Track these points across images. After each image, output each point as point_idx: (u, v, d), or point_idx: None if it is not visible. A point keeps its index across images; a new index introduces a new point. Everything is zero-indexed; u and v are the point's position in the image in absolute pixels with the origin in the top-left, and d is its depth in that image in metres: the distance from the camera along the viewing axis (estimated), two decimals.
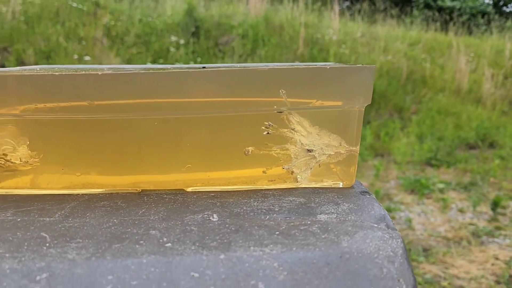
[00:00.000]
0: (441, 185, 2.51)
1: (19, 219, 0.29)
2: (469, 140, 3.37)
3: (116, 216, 0.30)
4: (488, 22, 5.64)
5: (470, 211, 2.24)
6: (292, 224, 0.27)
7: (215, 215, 0.29)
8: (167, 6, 4.13)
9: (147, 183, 0.37)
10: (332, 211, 0.30)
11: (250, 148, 0.37)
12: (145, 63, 3.37)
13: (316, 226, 0.27)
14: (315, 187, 0.36)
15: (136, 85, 0.34)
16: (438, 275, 1.63)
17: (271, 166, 0.37)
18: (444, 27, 5.33)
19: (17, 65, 3.17)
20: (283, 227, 0.27)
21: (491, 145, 3.42)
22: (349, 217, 0.29)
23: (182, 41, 3.67)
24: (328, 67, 0.34)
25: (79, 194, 0.35)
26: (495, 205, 2.21)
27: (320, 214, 0.29)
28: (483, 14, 6.49)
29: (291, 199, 0.32)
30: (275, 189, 0.36)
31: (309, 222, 0.28)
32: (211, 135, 0.36)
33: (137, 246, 0.24)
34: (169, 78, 0.34)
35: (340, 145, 0.36)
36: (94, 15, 3.77)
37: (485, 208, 2.27)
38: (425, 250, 1.81)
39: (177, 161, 0.36)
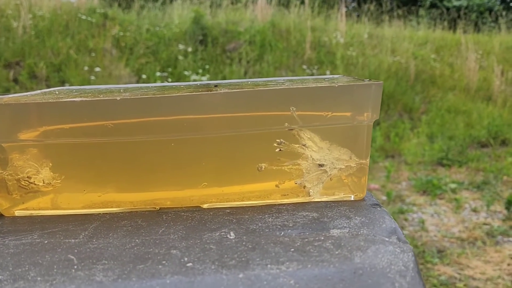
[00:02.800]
0: (453, 185, 2.50)
1: (46, 241, 0.30)
2: (481, 138, 3.35)
3: (138, 235, 0.31)
4: (496, 18, 5.60)
5: (484, 210, 2.22)
6: (306, 240, 0.29)
7: (232, 233, 0.30)
8: (174, 15, 4.17)
9: (164, 200, 0.38)
10: (345, 225, 0.31)
11: (263, 164, 0.38)
12: (154, 73, 3.41)
13: (330, 242, 0.28)
14: (327, 201, 0.37)
15: (152, 108, 0.35)
16: (454, 277, 1.63)
17: (284, 181, 0.38)
18: (452, 25, 5.31)
19: (29, 79, 3.22)
20: (298, 244, 0.28)
21: (503, 142, 3.39)
22: (361, 231, 0.30)
23: (190, 49, 3.71)
24: (336, 85, 0.35)
25: (100, 213, 0.37)
26: (509, 204, 2.19)
27: (333, 229, 0.30)
28: (491, 10, 6.44)
29: (304, 214, 0.33)
30: (288, 204, 0.37)
31: (322, 238, 0.29)
32: (225, 153, 0.37)
33: (160, 266, 0.25)
34: (183, 100, 0.35)
35: (351, 159, 0.38)
36: (103, 26, 3.83)
37: (499, 207, 2.25)
38: (439, 251, 1.81)
39: (194, 179, 0.38)
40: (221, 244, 0.28)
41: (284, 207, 0.36)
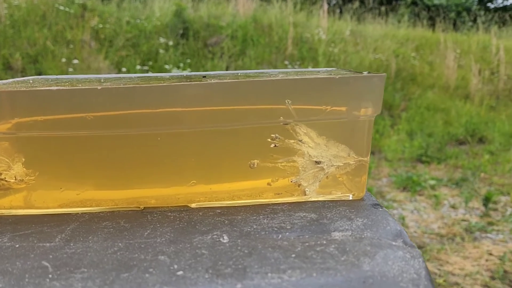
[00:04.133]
0: (432, 182, 2.52)
1: (17, 245, 0.27)
2: (459, 136, 3.40)
3: (121, 238, 0.28)
4: (474, 18, 5.69)
5: (462, 207, 2.25)
6: (307, 244, 0.26)
7: (225, 236, 0.28)
8: (155, 7, 4.10)
9: (148, 198, 0.35)
10: (346, 227, 0.29)
11: (256, 161, 0.35)
12: (134, 66, 3.34)
13: (333, 246, 0.26)
14: (325, 201, 0.35)
15: (136, 99, 0.32)
16: (433, 272, 1.64)
17: (277, 179, 0.36)
18: (432, 24, 5.36)
19: (4, 70, 3.12)
20: (299, 248, 0.26)
21: (481, 140, 3.45)
22: (365, 234, 0.28)
23: (171, 43, 3.64)
24: (337, 77, 0.32)
25: (78, 213, 0.34)
26: (487, 200, 2.23)
27: (334, 231, 0.28)
28: (469, 10, 6.54)
29: (302, 215, 0.31)
30: (283, 203, 0.34)
31: (324, 242, 0.26)
32: (215, 149, 0.35)
33: (147, 275, 0.23)
34: (171, 90, 0.32)
35: (349, 156, 0.35)
36: (82, 17, 3.73)
37: (477, 203, 2.28)
38: (419, 247, 1.81)
39: (181, 176, 0.35)
40: (214, 248, 0.26)
41: (279, 207, 0.33)
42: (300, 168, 0.35)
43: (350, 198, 0.35)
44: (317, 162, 0.35)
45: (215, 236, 0.28)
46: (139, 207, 0.35)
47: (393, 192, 2.40)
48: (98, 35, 3.62)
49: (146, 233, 0.29)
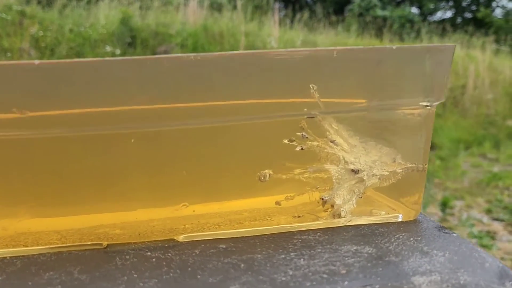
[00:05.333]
0: None
1: None
2: None
3: None
4: (418, 29, 5.89)
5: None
6: None
7: None
8: (100, 15, 3.90)
9: (112, 228, 0.24)
10: (428, 267, 0.19)
11: (267, 172, 0.25)
12: None
13: None
14: (369, 224, 0.25)
15: (96, 81, 0.21)
16: None
17: (293, 196, 0.26)
18: (379, 34, 5.49)
19: None
20: None
21: (431, 147, 3.51)
22: (463, 279, 0.18)
23: (118, 51, 3.47)
24: (394, 47, 0.23)
25: (6, 258, 0.22)
26: (444, 205, 2.23)
27: (414, 275, 0.18)
28: (412, 22, 6.79)
29: (353, 249, 0.21)
30: (313, 232, 0.24)
31: None
32: (212, 153, 0.24)
33: None
34: (145, 68, 0.21)
35: (395, 162, 0.26)
36: (20, 25, 3.47)
37: (434, 209, 2.28)
38: None
39: (165, 195, 0.24)
40: None
41: (311, 237, 0.23)
42: (334, 180, 0.25)
43: (400, 219, 0.26)
44: (355, 171, 0.25)
45: None
46: (101, 244, 0.23)
47: None
48: (38, 43, 3.38)
49: None
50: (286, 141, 0.25)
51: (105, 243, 0.23)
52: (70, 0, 4.25)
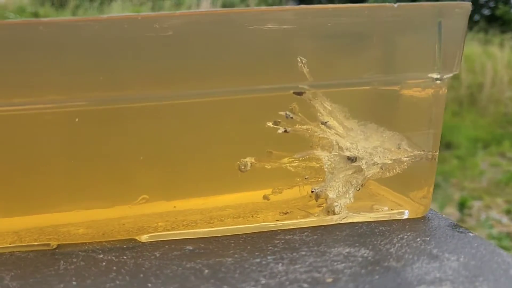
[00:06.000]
0: None
1: None
2: None
3: None
4: None
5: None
6: None
7: None
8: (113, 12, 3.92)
9: (62, 226, 0.20)
10: (438, 275, 0.15)
11: (248, 160, 0.21)
12: None
13: None
14: (369, 222, 0.21)
15: (34, 46, 0.17)
16: None
17: (281, 189, 0.22)
18: None
19: None
20: None
21: (447, 146, 3.43)
22: (479, 286, 0.14)
23: None
24: (395, 5, 0.19)
25: None
26: (461, 206, 2.16)
27: (419, 285, 0.14)
28: None
29: (344, 252, 0.17)
30: (300, 231, 0.20)
31: None
32: (181, 137, 0.21)
33: None
34: (89, 31, 0.18)
35: (399, 148, 0.22)
36: None
37: (451, 209, 2.21)
38: None
39: (123, 187, 0.20)
40: None
41: (296, 238, 0.19)
42: (326, 170, 0.21)
43: (406, 217, 0.22)
44: (351, 159, 0.21)
45: None
46: (48, 245, 0.20)
47: None
48: None
49: None
50: (270, 124, 0.21)
51: (53, 244, 0.20)
52: (83, 0, 4.28)
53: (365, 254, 0.17)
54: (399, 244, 0.18)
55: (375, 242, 0.18)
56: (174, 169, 0.21)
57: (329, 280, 0.15)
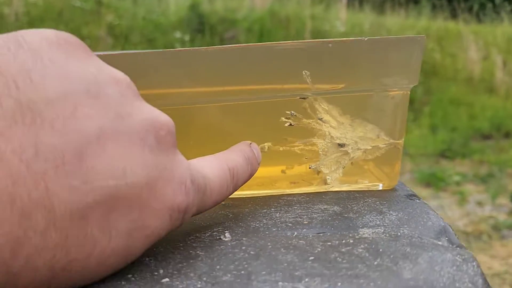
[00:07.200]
0: (457, 178, 2.43)
1: None
2: (484, 130, 3.28)
3: None
4: (498, 9, 5.51)
5: (489, 203, 2.15)
6: (329, 243, 0.21)
7: (227, 233, 0.22)
8: (170, 2, 4.07)
9: None
10: (378, 222, 0.23)
11: (267, 144, 0.30)
12: None
13: (363, 246, 0.20)
14: (350, 191, 0.29)
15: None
16: None
17: (293, 165, 0.31)
18: (454, 15, 5.22)
19: None
20: (319, 249, 0.20)
21: (507, 135, 3.32)
22: (402, 231, 0.22)
23: (187, 38, 3.61)
24: (365, 39, 0.27)
25: None
26: None
27: (362, 227, 0.23)
28: (493, 2, 6.35)
29: (322, 208, 0.26)
30: (299, 194, 0.29)
31: (351, 241, 0.21)
32: (219, 128, 0.30)
33: (123, 282, 0.18)
34: (152, 60, 0.27)
35: (378, 138, 0.30)
36: (98, 13, 3.72)
37: (504, 200, 2.18)
38: None
39: None
40: (212, 249, 0.21)
41: (295, 199, 0.28)
42: (320, 152, 0.30)
43: (380, 188, 0.30)
44: (341, 145, 0.30)
45: (215, 233, 0.23)
46: None
47: (416, 188, 2.31)
48: (113, 31, 3.61)
49: None
50: (283, 118, 0.30)
51: None
52: None
53: (335, 209, 0.25)
54: (362, 204, 0.26)
55: (346, 202, 0.26)
56: (217, 150, 0.30)
57: (305, 222, 0.24)
